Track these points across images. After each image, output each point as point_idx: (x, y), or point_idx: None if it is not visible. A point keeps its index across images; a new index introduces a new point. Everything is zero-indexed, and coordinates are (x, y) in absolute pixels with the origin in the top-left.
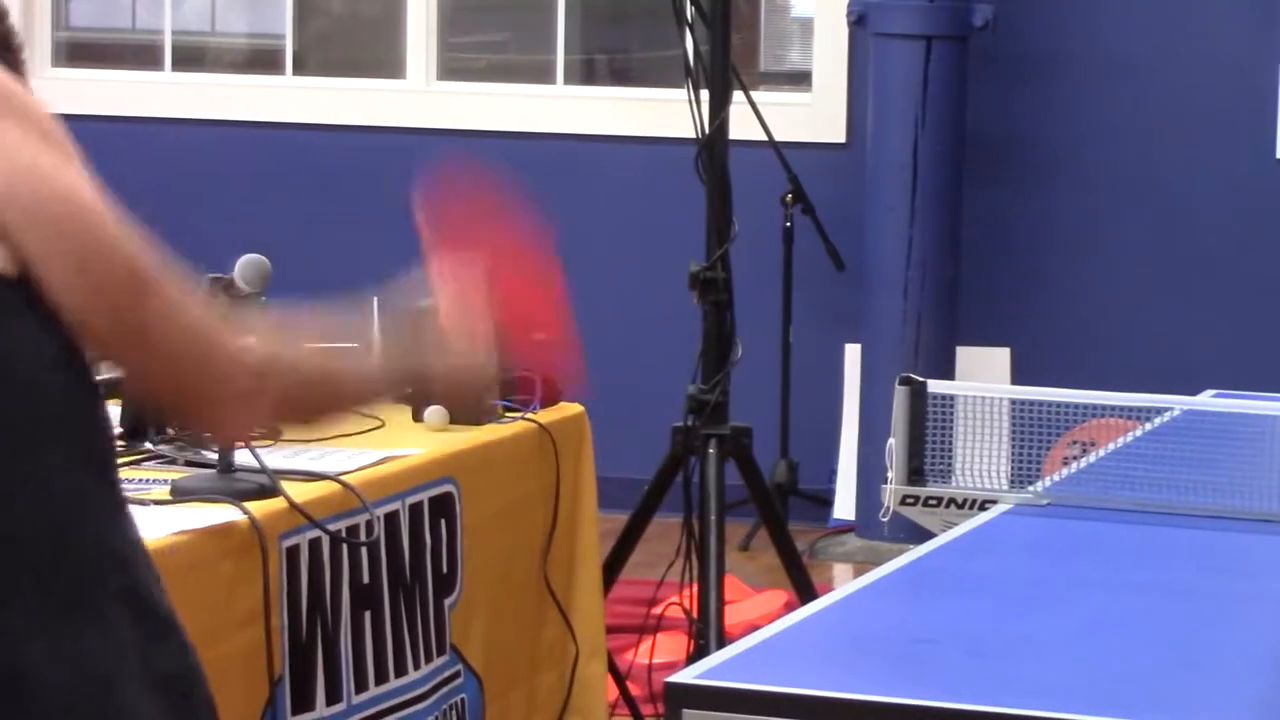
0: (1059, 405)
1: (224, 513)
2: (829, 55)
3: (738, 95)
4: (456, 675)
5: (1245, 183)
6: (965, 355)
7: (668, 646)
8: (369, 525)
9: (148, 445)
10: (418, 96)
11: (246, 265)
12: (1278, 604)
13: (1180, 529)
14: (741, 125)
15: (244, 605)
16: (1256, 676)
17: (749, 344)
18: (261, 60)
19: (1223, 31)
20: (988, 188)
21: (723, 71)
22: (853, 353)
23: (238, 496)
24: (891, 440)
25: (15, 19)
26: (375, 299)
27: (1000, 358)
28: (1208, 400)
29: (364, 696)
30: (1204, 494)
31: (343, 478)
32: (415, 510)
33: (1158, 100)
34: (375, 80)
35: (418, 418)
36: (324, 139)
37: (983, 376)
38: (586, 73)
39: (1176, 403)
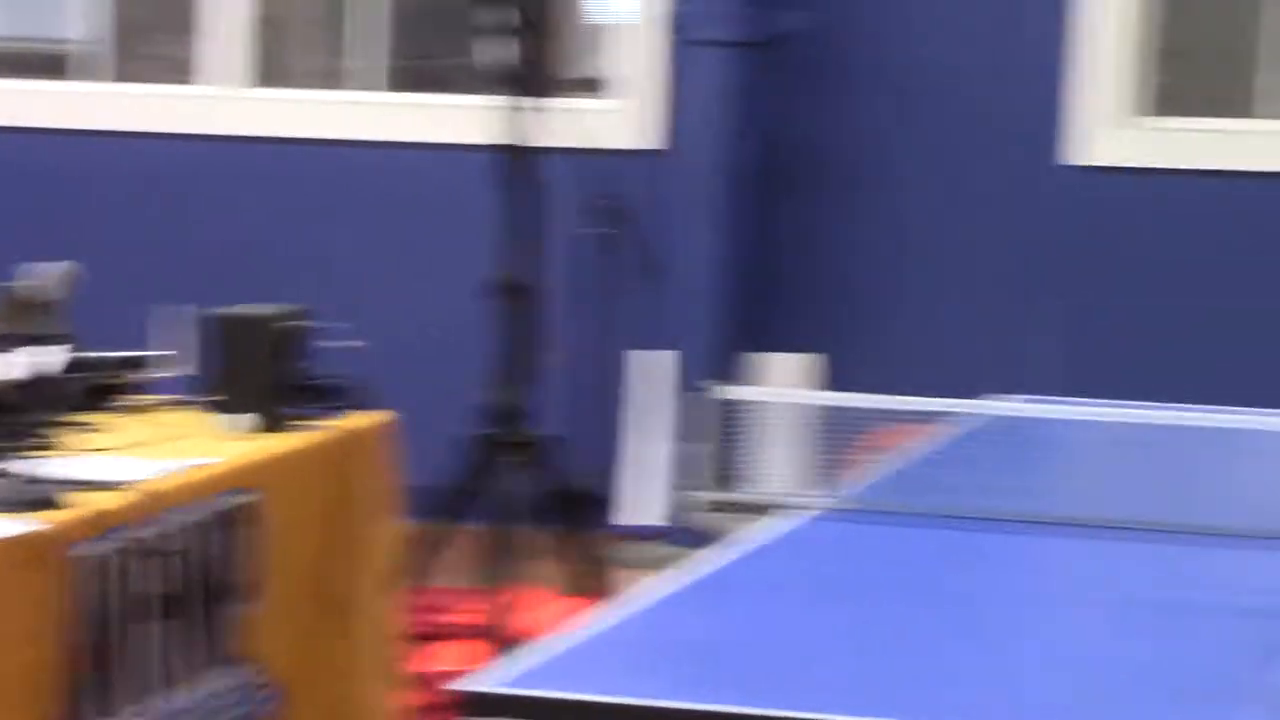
0: (864, 411)
1: (7, 524)
2: (643, 62)
3: (547, 102)
4: (258, 685)
5: (1036, 187)
6: (776, 362)
7: (466, 654)
8: (166, 534)
9: None
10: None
11: (47, 273)
12: (1081, 608)
13: (986, 533)
14: (552, 132)
15: (30, 619)
16: (1052, 680)
17: (556, 351)
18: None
19: (1017, 40)
20: (800, 194)
21: (533, 78)
22: (663, 359)
23: (24, 507)
24: (698, 446)
25: None
26: None
27: (810, 364)
28: (1009, 405)
29: (159, 707)
30: (1009, 498)
31: (138, 486)
32: (215, 519)
33: (960, 107)
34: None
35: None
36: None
37: (793, 383)
38: (393, 80)
39: (978, 408)
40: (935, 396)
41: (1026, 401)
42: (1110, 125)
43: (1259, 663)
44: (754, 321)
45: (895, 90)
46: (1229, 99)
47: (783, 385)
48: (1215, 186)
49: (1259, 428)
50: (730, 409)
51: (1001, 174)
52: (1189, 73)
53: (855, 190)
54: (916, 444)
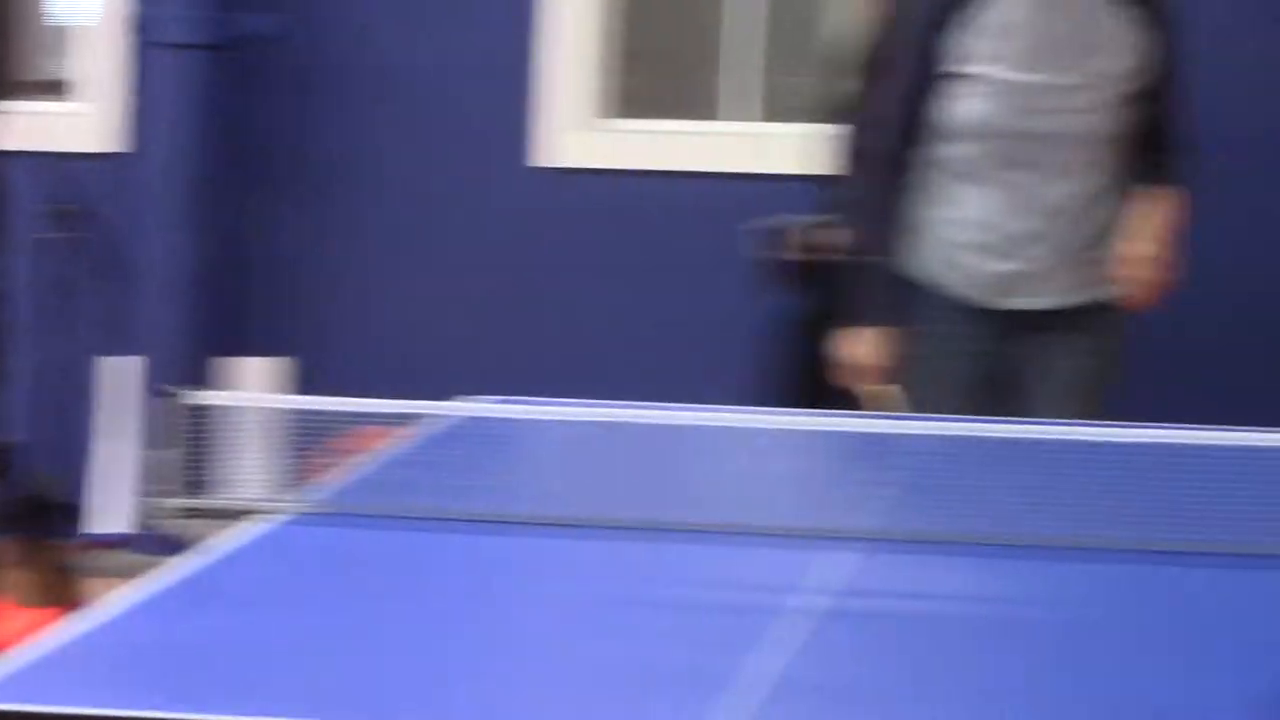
0: (335, 414)
1: None
2: (105, 64)
3: (8, 105)
4: None
5: (506, 189)
6: (246, 366)
7: None
8: None
9: None
10: None
11: None
12: (550, 607)
13: (456, 534)
14: (14, 135)
15: None
16: (517, 680)
17: (21, 356)
18: None
19: (484, 41)
20: (271, 198)
21: None
22: (131, 365)
23: None
24: (167, 452)
25: None
26: None
27: (280, 368)
28: (473, 406)
29: None
30: (479, 498)
31: None
32: None
33: (428, 110)
34: None
35: None
36: None
37: (264, 387)
38: None
39: (443, 409)
40: (408, 399)
41: (496, 402)
42: (575, 128)
43: (732, 654)
44: (223, 325)
45: (364, 93)
46: (693, 101)
47: (253, 389)
48: (679, 186)
49: (720, 424)
50: (200, 414)
51: (470, 176)
52: (654, 75)
53: (325, 193)
54: (387, 446)
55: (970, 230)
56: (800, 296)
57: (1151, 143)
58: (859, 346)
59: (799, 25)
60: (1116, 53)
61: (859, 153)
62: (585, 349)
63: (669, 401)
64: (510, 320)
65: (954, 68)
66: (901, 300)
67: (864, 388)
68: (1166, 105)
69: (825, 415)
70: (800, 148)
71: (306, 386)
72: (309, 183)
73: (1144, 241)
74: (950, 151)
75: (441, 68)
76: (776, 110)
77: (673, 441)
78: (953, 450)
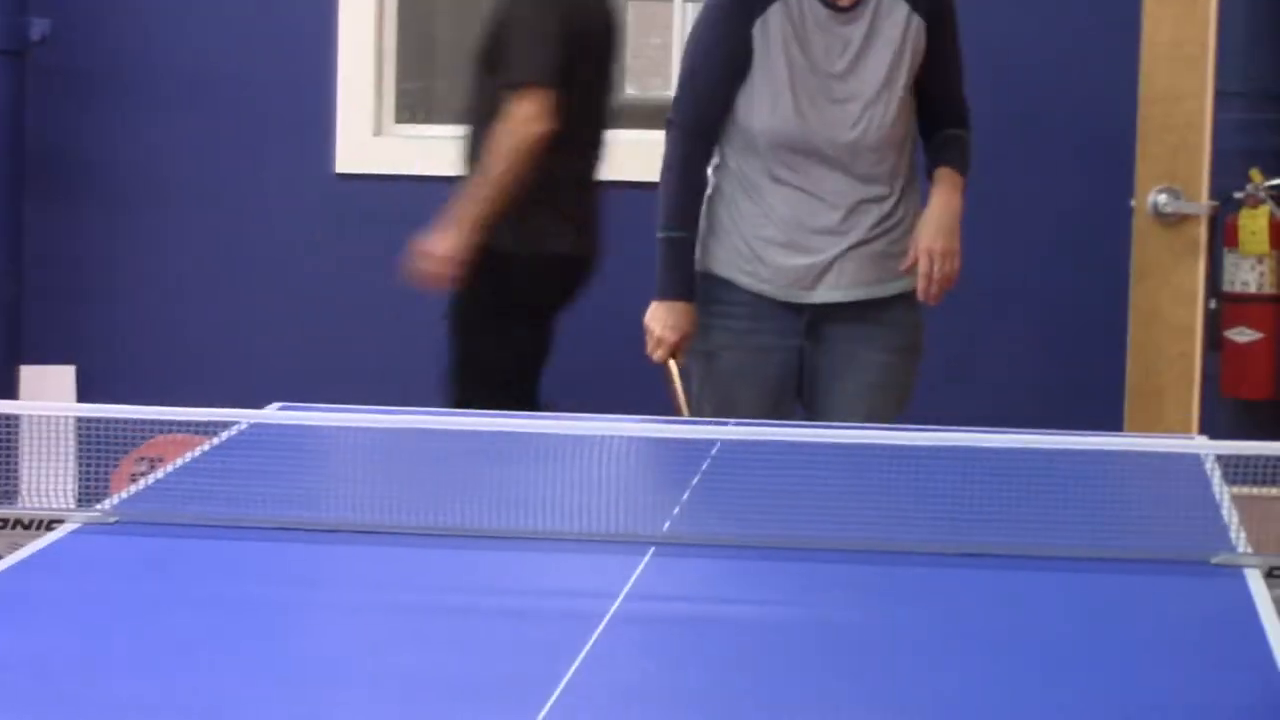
0: (125, 422)
1: None
2: None
3: None
4: None
5: (308, 195)
6: (29, 374)
7: None
8: None
9: None
10: None
11: None
12: (355, 615)
13: (247, 541)
14: None
15: None
16: (331, 687)
17: None
18: None
19: (285, 46)
20: (52, 204)
21: None
22: None
23: None
24: None
25: None
26: None
27: (65, 375)
28: (274, 413)
29: None
30: (271, 506)
31: None
32: None
33: (227, 114)
34: None
35: None
36: None
37: (49, 395)
38: None
39: (243, 416)
40: (208, 406)
41: (297, 409)
42: (370, 134)
43: (544, 661)
44: (9, 333)
45: (159, 98)
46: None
47: (41, 398)
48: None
49: (525, 430)
50: None
51: (267, 182)
52: (438, 79)
53: (116, 199)
54: (187, 454)
55: (769, 226)
56: (469, 287)
57: (936, 128)
58: (656, 319)
59: None
60: (902, 62)
61: (669, 152)
62: (389, 355)
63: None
64: (309, 327)
65: (754, 65)
66: (698, 285)
67: (661, 359)
68: (946, 91)
69: (635, 420)
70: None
71: (99, 395)
72: (101, 189)
73: (934, 233)
74: (748, 151)
75: (240, 73)
76: None
77: (479, 446)
78: (756, 451)
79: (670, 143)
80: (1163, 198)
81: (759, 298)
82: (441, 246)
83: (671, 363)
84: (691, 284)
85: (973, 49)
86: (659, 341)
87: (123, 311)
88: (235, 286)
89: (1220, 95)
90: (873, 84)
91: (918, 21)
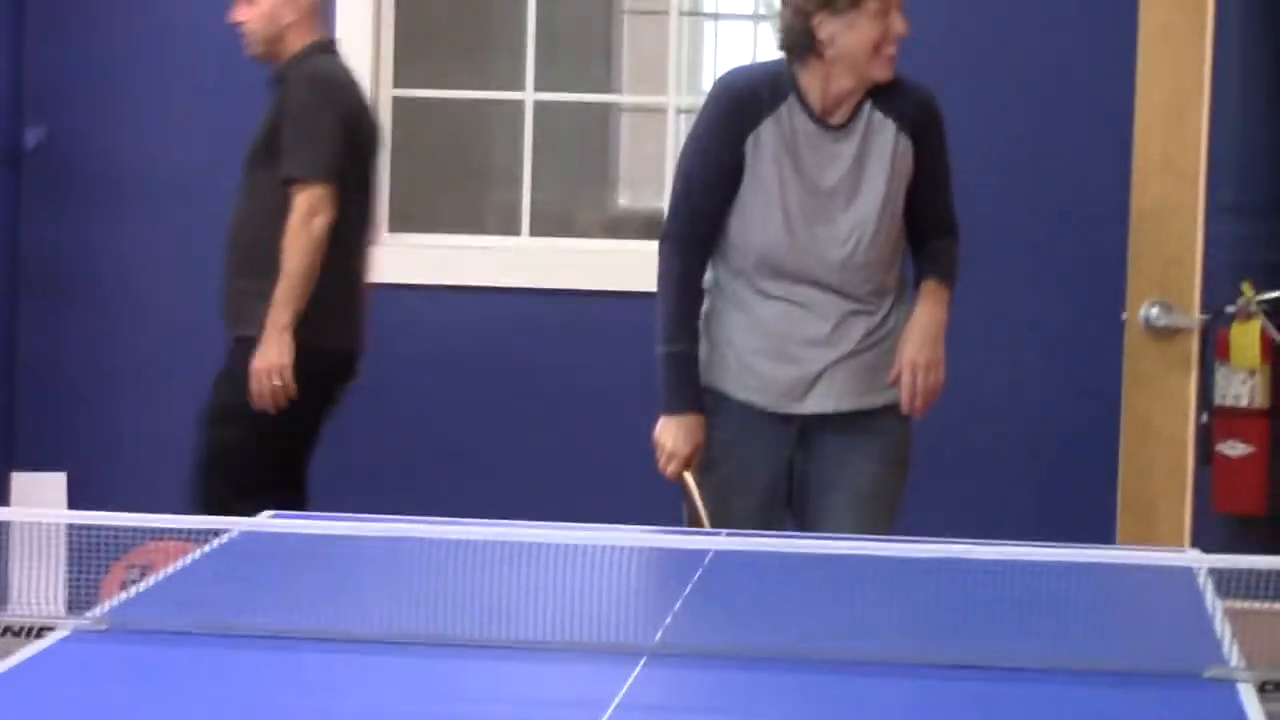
0: (116, 529)
1: None
2: None
3: None
4: None
5: None
6: (20, 481)
7: None
8: None
9: None
10: None
11: None
12: None
13: (237, 650)
14: None
15: None
16: None
17: None
18: None
19: None
20: (46, 310)
21: None
22: None
23: None
24: None
25: None
26: None
27: (57, 482)
28: (265, 521)
29: None
30: (261, 614)
31: None
32: None
33: (219, 222)
34: None
35: None
36: None
37: (40, 502)
38: None
39: (234, 524)
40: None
41: (285, 517)
42: None
43: None
44: (1, 440)
45: (152, 205)
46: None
47: (32, 504)
48: (454, 301)
49: (509, 539)
50: None
51: None
52: (427, 189)
53: (109, 306)
54: (176, 561)
55: (758, 338)
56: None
57: (924, 240)
58: (667, 434)
59: (562, 144)
60: (890, 178)
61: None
62: (378, 462)
63: (472, 516)
64: None
65: (745, 178)
66: (702, 397)
67: (675, 474)
68: (934, 205)
69: (628, 530)
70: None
71: (87, 502)
72: (90, 295)
73: (918, 346)
74: (739, 262)
75: (231, 181)
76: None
77: (471, 554)
78: (748, 562)
79: (665, 257)
80: (1155, 311)
81: (749, 408)
82: (269, 360)
83: (688, 475)
84: (699, 396)
85: (967, 159)
86: (671, 456)
87: (114, 418)
88: None
89: (1212, 209)
90: (863, 203)
91: (905, 142)
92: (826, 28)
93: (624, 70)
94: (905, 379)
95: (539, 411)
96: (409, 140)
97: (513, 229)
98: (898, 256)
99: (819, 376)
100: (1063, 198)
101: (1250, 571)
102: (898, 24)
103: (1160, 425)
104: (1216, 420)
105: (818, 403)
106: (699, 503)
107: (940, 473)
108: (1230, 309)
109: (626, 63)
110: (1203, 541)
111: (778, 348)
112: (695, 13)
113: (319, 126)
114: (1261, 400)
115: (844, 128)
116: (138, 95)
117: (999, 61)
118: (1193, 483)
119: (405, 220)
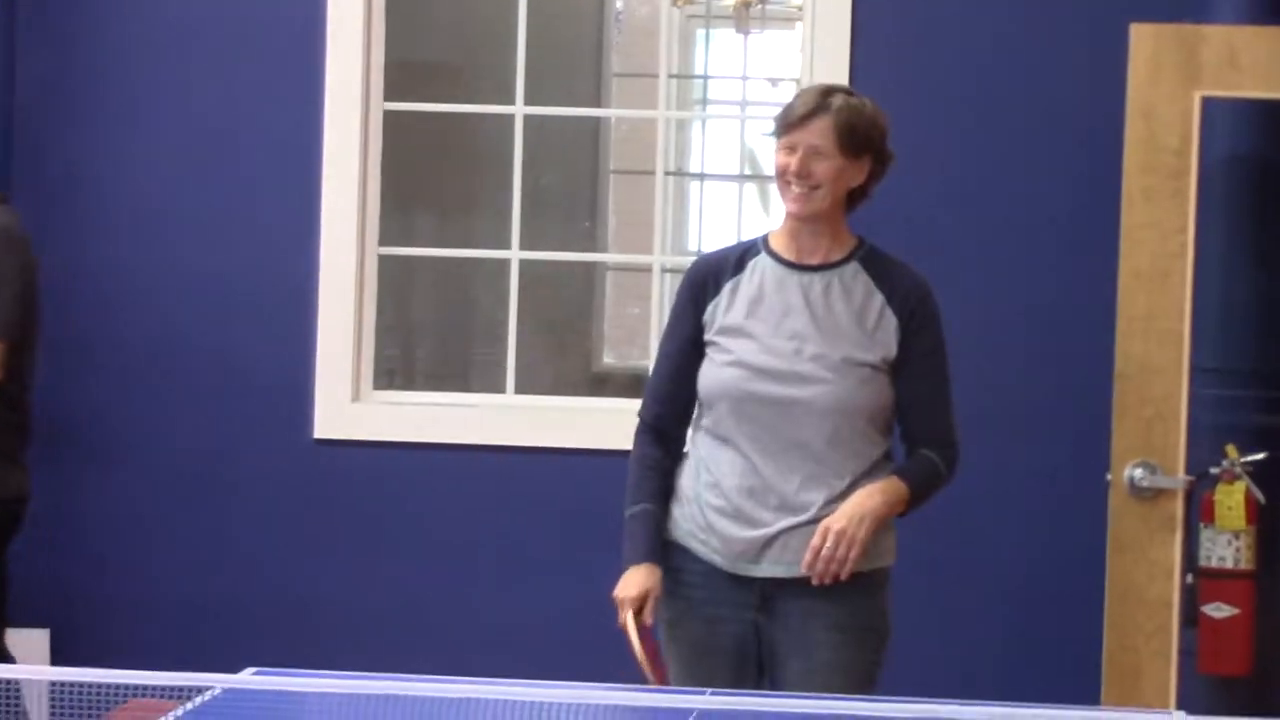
0: (99, 686)
1: None
2: None
3: None
4: None
5: (286, 460)
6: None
7: None
8: None
9: None
10: None
11: None
12: None
13: None
14: None
15: None
16: None
17: None
18: None
19: (263, 307)
20: (42, 465)
21: None
22: None
23: None
24: None
25: None
26: None
27: (40, 639)
28: (248, 678)
29: None
30: None
31: None
32: None
33: (207, 378)
34: None
35: None
36: None
37: (23, 659)
38: None
39: (217, 681)
40: (176, 670)
41: (271, 674)
42: (349, 399)
43: None
44: None
45: (138, 363)
46: (449, 374)
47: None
48: (438, 458)
49: (497, 696)
50: None
51: (246, 445)
52: (413, 348)
53: (93, 462)
54: (156, 719)
55: (720, 496)
56: None
57: (913, 444)
58: (619, 586)
59: (547, 303)
60: (865, 340)
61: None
62: (365, 620)
63: (459, 673)
64: (285, 591)
65: (708, 337)
66: (659, 551)
67: (621, 621)
68: (924, 412)
69: (612, 689)
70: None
71: (72, 658)
72: (76, 450)
73: (841, 515)
74: (706, 418)
75: (220, 338)
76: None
77: (457, 714)
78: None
79: (634, 440)
80: (1139, 472)
81: (713, 568)
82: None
83: (630, 624)
84: (654, 548)
85: (952, 322)
86: (620, 603)
87: (98, 575)
88: (211, 550)
89: (1195, 370)
90: (833, 348)
91: (892, 318)
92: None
93: (609, 229)
94: (815, 541)
95: (523, 569)
96: (394, 298)
97: (497, 386)
98: (879, 435)
99: (773, 540)
100: (1046, 359)
101: None
102: (791, 162)
103: (1145, 586)
104: (1202, 582)
105: (772, 567)
106: (638, 652)
107: (923, 632)
108: (1215, 470)
109: (612, 222)
110: (1188, 703)
111: (735, 507)
112: (681, 172)
113: (3, 282)
114: (1247, 562)
115: (817, 269)
116: (122, 252)
117: (982, 218)
118: (1178, 644)
119: (390, 378)
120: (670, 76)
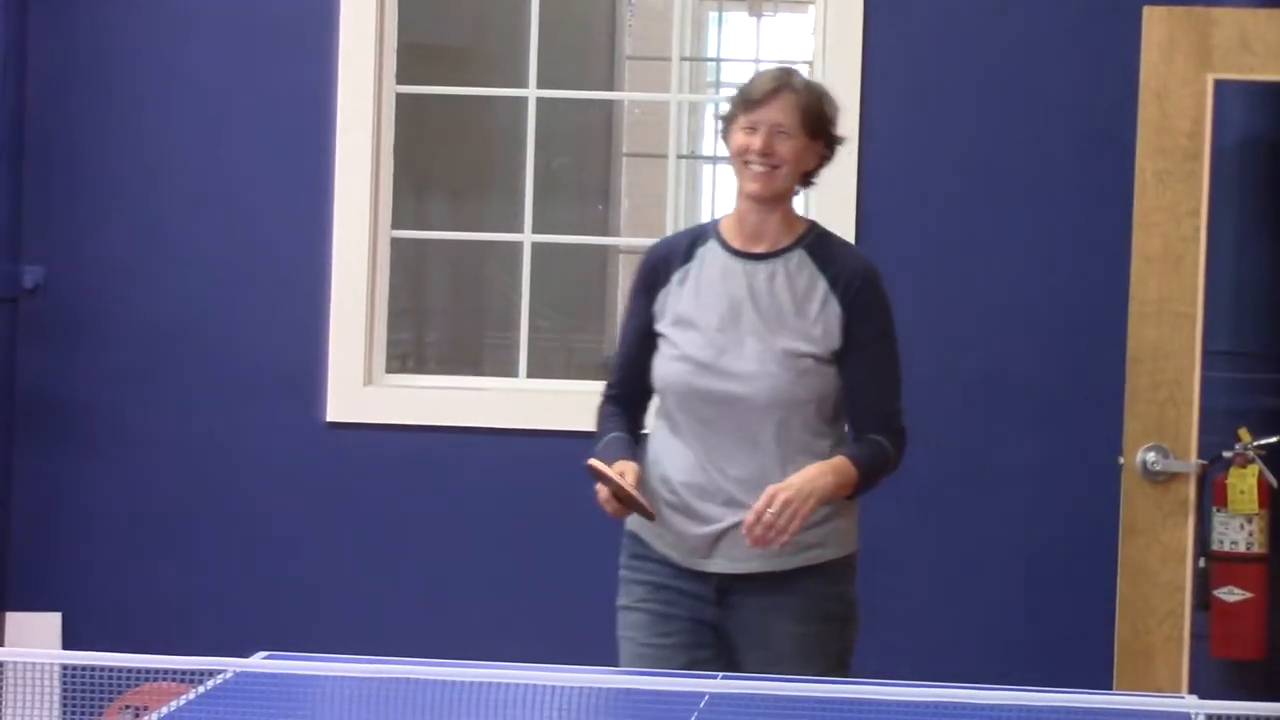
0: (110, 670)
1: None
2: None
3: None
4: None
5: (298, 443)
6: (14, 621)
7: None
8: None
9: None
10: None
11: None
12: None
13: None
14: None
15: None
16: None
17: None
18: None
19: (275, 291)
20: (41, 451)
21: None
22: None
23: None
24: None
25: None
26: None
27: (51, 623)
28: (259, 662)
29: None
30: None
31: None
32: None
33: (218, 362)
34: None
35: None
36: None
37: (34, 642)
38: None
39: (228, 665)
40: (188, 654)
41: (281, 658)
42: (361, 383)
43: None
44: None
45: (151, 346)
46: (462, 358)
47: (26, 645)
48: (450, 442)
49: (504, 680)
50: None
51: (257, 429)
52: (426, 332)
53: (105, 447)
54: (169, 703)
55: (671, 492)
56: None
57: (861, 430)
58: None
59: (560, 287)
60: (809, 329)
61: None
62: (377, 603)
63: (469, 657)
64: (297, 575)
65: (659, 328)
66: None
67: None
68: (869, 396)
69: (623, 673)
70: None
71: (83, 642)
72: (86, 436)
73: (788, 484)
74: (661, 408)
75: (232, 321)
76: (536, 367)
77: (468, 696)
78: (745, 705)
79: (598, 405)
80: (1151, 456)
81: (669, 560)
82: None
83: (603, 468)
84: (630, 456)
85: (964, 303)
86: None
87: (110, 559)
88: (224, 534)
89: (1208, 354)
90: (767, 340)
91: (836, 306)
92: (728, 136)
93: (622, 212)
94: (759, 503)
95: (535, 553)
96: (407, 281)
97: (509, 370)
98: (827, 426)
99: (721, 536)
100: (1059, 341)
101: (1249, 717)
102: (754, 140)
103: (1157, 570)
104: (1214, 566)
105: (722, 563)
106: (613, 476)
107: (935, 617)
108: (1227, 454)
109: (625, 205)
110: (1200, 687)
111: (685, 503)
112: (693, 155)
113: None
114: (1259, 546)
115: (763, 258)
116: (135, 237)
117: (994, 201)
118: (1190, 628)
119: (402, 361)
120: (683, 60)
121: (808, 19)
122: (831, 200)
